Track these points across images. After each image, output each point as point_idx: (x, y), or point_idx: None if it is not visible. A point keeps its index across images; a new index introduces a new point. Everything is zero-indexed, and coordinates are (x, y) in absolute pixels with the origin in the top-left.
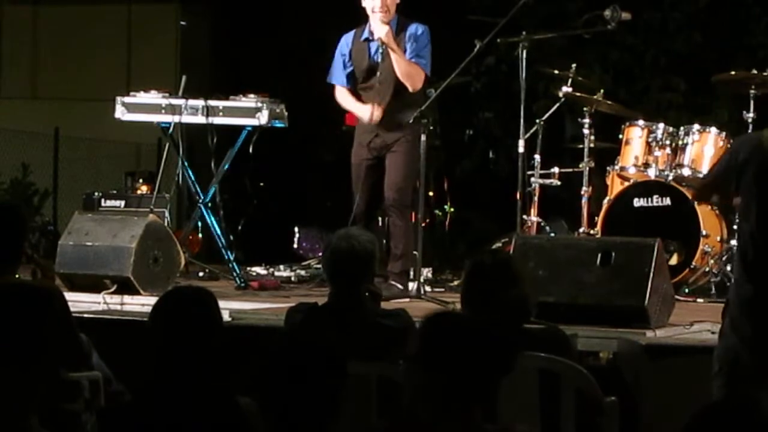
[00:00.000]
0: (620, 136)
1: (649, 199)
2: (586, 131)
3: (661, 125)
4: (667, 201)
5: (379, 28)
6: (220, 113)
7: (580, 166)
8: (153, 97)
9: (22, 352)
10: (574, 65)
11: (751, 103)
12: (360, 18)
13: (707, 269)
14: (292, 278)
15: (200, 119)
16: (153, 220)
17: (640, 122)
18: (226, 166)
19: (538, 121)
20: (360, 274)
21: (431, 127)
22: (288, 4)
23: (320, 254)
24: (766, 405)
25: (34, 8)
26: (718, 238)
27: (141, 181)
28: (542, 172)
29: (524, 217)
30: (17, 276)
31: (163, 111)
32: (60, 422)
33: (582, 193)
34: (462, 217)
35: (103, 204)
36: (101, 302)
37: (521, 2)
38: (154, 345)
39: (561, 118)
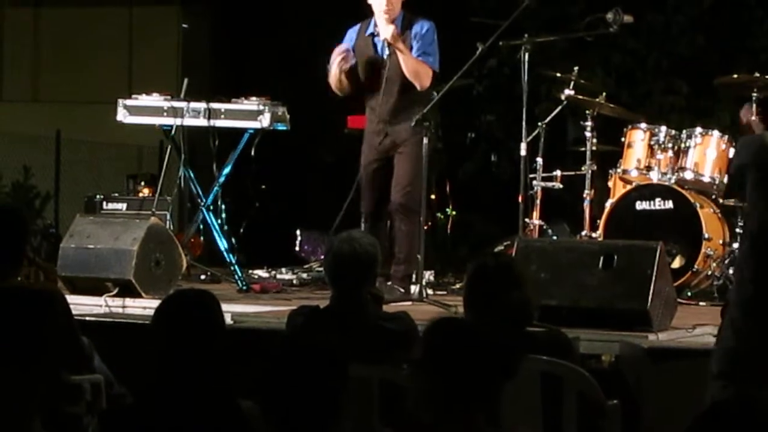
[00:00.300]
0: (622, 139)
1: (652, 202)
2: (588, 134)
3: (664, 128)
4: (670, 204)
5: (384, 28)
6: (222, 116)
7: (583, 169)
8: (155, 99)
9: (24, 354)
10: (576, 68)
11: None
12: (360, 16)
13: (710, 272)
14: (294, 281)
15: (202, 122)
16: (155, 223)
17: (643, 125)
18: (228, 169)
19: (540, 124)
20: (362, 277)
21: (433, 130)
22: (288, 6)
23: (322, 257)
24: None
25: (36, 11)
26: (721, 241)
27: (143, 183)
28: (544, 175)
29: (526, 220)
30: (19, 279)
31: (164, 114)
32: (62, 425)
33: (584, 196)
34: (464, 220)
35: (104, 207)
36: (103, 305)
37: (524, 5)
38: (156, 348)
39: (563, 121)
